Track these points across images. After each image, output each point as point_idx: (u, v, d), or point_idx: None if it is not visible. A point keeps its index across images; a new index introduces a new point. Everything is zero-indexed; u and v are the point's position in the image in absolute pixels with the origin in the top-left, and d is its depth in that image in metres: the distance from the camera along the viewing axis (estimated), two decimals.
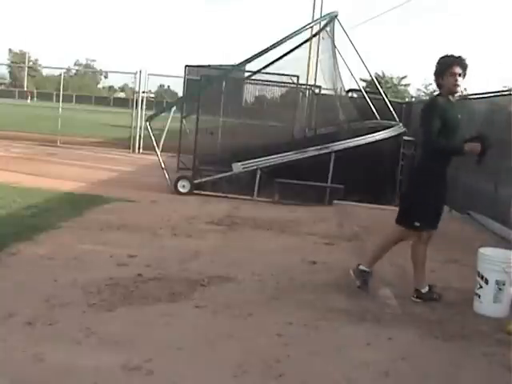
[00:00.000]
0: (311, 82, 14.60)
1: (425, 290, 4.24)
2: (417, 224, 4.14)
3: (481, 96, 8.89)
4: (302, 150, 8.44)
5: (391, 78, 42.62)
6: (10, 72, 71.58)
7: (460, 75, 4.04)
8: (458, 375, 3.16)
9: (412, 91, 43.99)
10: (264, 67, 10.12)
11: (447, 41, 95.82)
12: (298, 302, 3.99)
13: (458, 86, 4.07)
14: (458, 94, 4.21)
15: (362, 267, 4.28)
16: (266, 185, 8.53)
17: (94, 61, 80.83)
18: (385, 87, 32.59)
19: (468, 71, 4.06)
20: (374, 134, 8.76)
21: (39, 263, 4.46)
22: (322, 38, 10.43)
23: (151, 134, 9.09)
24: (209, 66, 12.05)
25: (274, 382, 2.88)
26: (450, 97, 4.10)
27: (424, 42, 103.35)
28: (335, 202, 8.17)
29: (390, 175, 9.51)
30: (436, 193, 4.19)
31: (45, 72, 71.88)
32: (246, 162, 8.46)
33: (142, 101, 15.11)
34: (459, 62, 4.04)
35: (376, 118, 10.81)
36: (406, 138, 10.09)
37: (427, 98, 35.89)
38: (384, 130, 9.24)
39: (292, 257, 5.15)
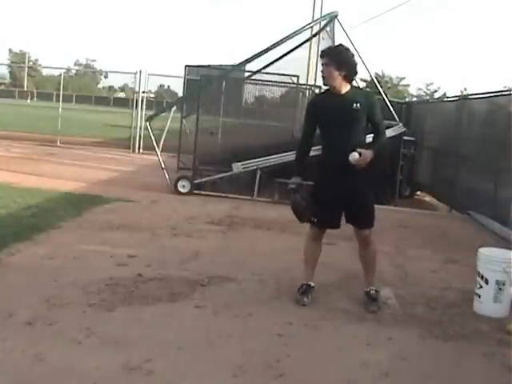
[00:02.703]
0: (311, 81, 14.59)
1: (305, 283, 4.07)
2: (312, 219, 4.01)
3: (481, 96, 8.90)
4: None
5: (391, 78, 42.64)
6: (10, 72, 71.53)
7: (323, 65, 3.92)
8: (458, 375, 3.16)
9: (412, 91, 44.02)
10: (264, 67, 10.11)
11: (447, 41, 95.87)
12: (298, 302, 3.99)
13: (323, 77, 3.95)
14: (327, 85, 3.95)
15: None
16: (266, 185, 8.53)
17: (94, 61, 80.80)
18: (385, 87, 32.57)
19: (339, 58, 3.82)
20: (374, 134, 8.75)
21: (39, 263, 4.46)
22: (322, 38, 10.41)
23: (151, 134, 9.10)
24: (209, 66, 12.04)
25: (274, 382, 2.88)
26: (332, 89, 3.95)
27: (424, 42, 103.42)
28: None
29: (389, 175, 9.51)
30: (322, 191, 3.98)
31: (45, 72, 71.93)
32: (246, 161, 8.46)
33: (142, 101, 15.12)
34: (323, 52, 3.96)
35: None
36: (405, 137, 10.08)
37: (427, 97, 35.92)
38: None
39: (292, 257, 5.14)
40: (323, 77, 3.96)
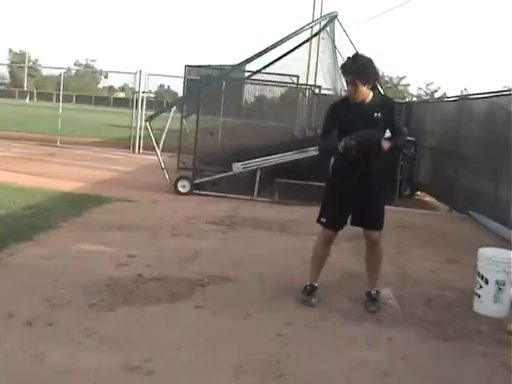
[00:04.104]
0: (311, 81, 14.60)
1: (309, 284, 4.09)
2: (322, 220, 4.03)
3: (481, 96, 8.89)
4: (302, 150, 8.44)
5: (391, 78, 42.66)
6: (10, 72, 71.49)
7: (347, 83, 3.87)
8: (458, 375, 3.16)
9: (412, 91, 44.03)
10: (264, 67, 10.11)
11: (447, 40, 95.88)
12: (297, 302, 3.99)
13: (350, 94, 3.89)
14: (351, 97, 3.88)
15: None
16: (266, 185, 8.53)
17: (94, 61, 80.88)
18: (385, 87, 32.55)
19: (364, 71, 3.74)
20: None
21: (39, 263, 4.45)
22: (322, 38, 10.41)
23: (151, 134, 9.10)
24: (209, 66, 12.04)
25: (274, 382, 2.88)
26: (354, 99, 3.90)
27: (424, 42, 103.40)
28: None
29: (389, 175, 9.51)
30: (336, 190, 3.98)
31: (45, 72, 71.82)
32: (246, 161, 8.46)
33: (142, 101, 15.12)
34: (344, 69, 3.88)
35: None
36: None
37: (428, 97, 35.92)
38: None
39: (292, 257, 5.15)
40: (351, 95, 3.85)
